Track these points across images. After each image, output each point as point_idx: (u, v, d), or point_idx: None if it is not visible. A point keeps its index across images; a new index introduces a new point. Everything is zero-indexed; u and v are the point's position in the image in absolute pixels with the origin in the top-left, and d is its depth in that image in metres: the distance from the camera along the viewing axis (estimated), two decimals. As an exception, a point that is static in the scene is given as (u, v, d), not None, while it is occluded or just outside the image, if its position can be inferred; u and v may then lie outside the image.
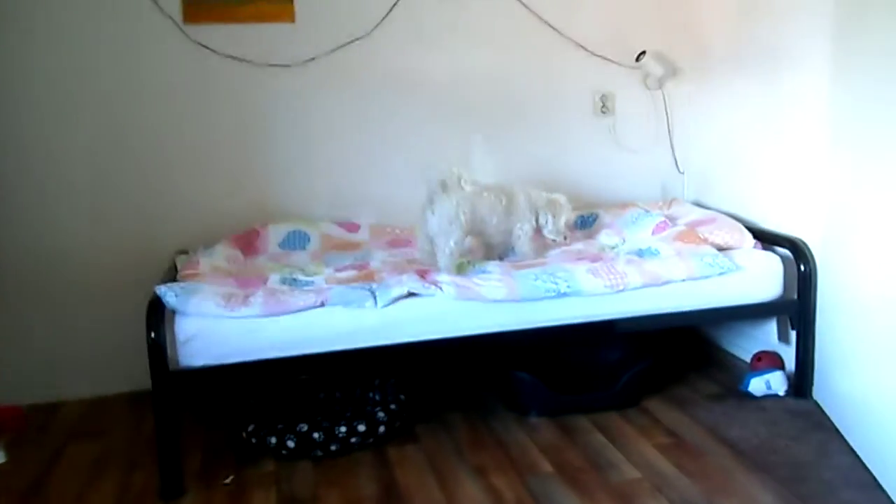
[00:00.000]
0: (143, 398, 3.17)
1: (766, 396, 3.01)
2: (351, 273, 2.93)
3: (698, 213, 3.37)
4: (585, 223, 3.50)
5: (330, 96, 3.45)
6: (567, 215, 3.21)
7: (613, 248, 3.20)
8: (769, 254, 2.95)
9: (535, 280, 2.70)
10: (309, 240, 3.35)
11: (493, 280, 2.69)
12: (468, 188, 2.95)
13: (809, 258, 2.92)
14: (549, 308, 2.72)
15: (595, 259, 2.95)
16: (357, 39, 3.41)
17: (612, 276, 2.73)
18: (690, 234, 3.04)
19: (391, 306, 2.60)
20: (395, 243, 3.41)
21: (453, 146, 3.59)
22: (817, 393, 2.97)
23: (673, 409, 2.97)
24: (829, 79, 2.74)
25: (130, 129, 3.28)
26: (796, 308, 2.95)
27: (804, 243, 2.96)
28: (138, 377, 3.08)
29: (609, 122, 3.73)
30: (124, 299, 3.26)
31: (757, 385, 3.01)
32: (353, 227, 3.50)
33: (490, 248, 3.18)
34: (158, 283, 2.60)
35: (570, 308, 2.74)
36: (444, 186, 2.89)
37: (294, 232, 3.36)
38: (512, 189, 3.12)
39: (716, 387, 3.16)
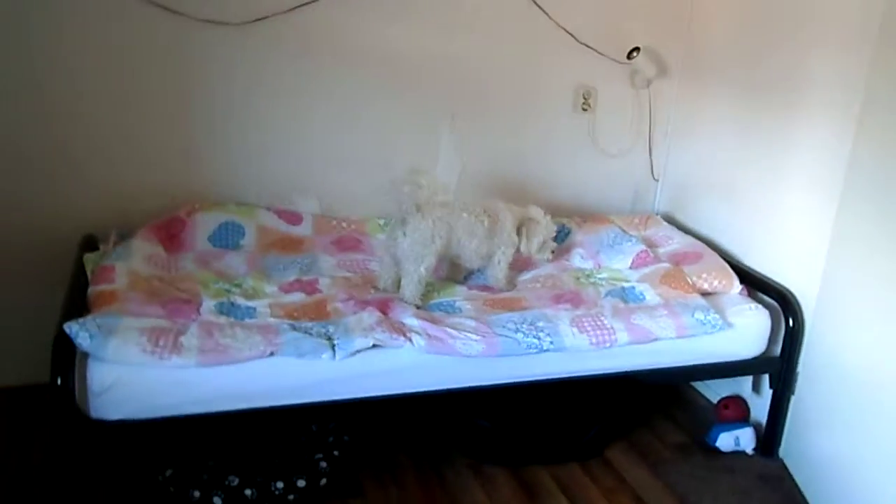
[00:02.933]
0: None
1: (733, 452, 2.83)
2: (299, 298, 2.51)
3: (679, 242, 3.09)
4: (556, 237, 3.15)
5: (276, 64, 2.91)
6: (545, 233, 2.86)
7: (589, 276, 2.89)
8: (759, 309, 2.71)
9: (516, 333, 2.36)
10: (244, 234, 2.87)
11: (468, 331, 2.33)
12: (442, 203, 2.54)
13: (798, 314, 2.70)
14: (527, 364, 2.40)
15: (576, 301, 2.63)
16: (315, 1, 2.85)
17: (598, 333, 2.43)
18: (678, 277, 2.75)
19: (351, 357, 2.21)
20: (344, 244, 2.98)
21: (413, 133, 3.15)
22: (785, 452, 2.81)
23: (638, 465, 2.74)
24: (856, 120, 2.43)
25: (33, 86, 2.66)
26: (778, 367, 2.74)
27: (794, 296, 2.73)
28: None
29: (588, 120, 3.35)
30: (14, 289, 2.74)
31: (725, 441, 2.82)
32: (294, 218, 3.03)
33: (456, 268, 2.81)
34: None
35: (549, 364, 2.43)
36: (417, 204, 2.48)
37: (226, 224, 2.86)
38: (496, 207, 2.73)
39: (681, 435, 2.95)
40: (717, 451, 2.83)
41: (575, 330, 2.42)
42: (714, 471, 2.73)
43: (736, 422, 2.91)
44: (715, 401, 3.07)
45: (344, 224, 3.09)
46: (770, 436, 2.82)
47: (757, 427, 2.88)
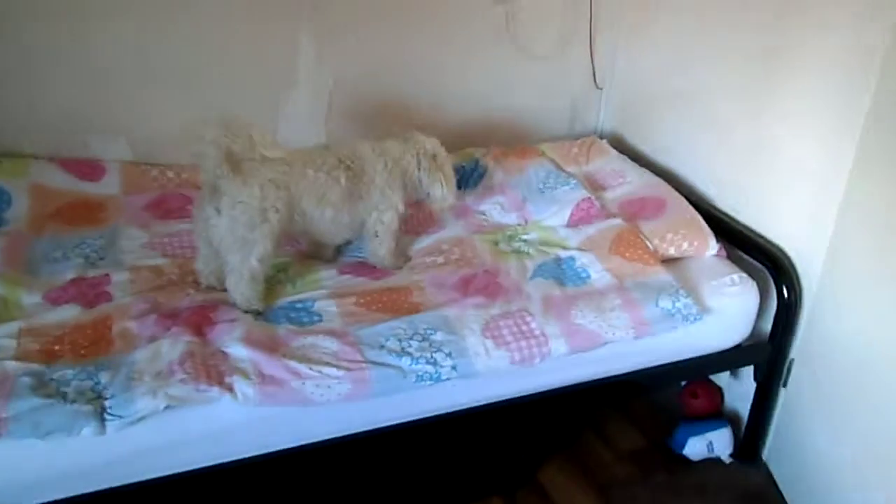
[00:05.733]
0: None
1: (705, 460, 2.15)
2: (71, 313, 1.65)
3: (634, 181, 2.29)
4: (467, 179, 2.32)
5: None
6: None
7: (511, 238, 2.09)
8: (745, 282, 1.96)
9: (401, 357, 1.57)
10: (9, 202, 1.97)
11: (326, 363, 1.53)
12: (273, 159, 1.66)
13: (795, 283, 1.97)
14: (419, 399, 1.63)
15: (492, 289, 1.83)
16: None
17: (524, 345, 1.67)
18: (633, 241, 1.97)
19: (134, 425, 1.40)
20: (165, 206, 2.10)
21: (260, 37, 2.23)
22: (770, 456, 2.17)
23: (582, 490, 2.05)
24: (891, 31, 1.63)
25: None
26: (766, 356, 2.02)
27: (789, 260, 1.99)
28: None
29: (507, 12, 2.45)
30: None
31: (695, 447, 2.15)
32: (93, 171, 2.15)
33: (319, 246, 1.97)
34: None
35: (452, 394, 1.67)
36: (233, 162, 1.61)
37: (-19, 189, 1.95)
38: (358, 153, 1.87)
39: (636, 436, 2.26)
40: (685, 458, 2.14)
41: (489, 343, 1.66)
42: (681, 492, 2.09)
43: (707, 415, 2.23)
44: (680, 385, 2.37)
45: (170, 174, 2.20)
46: (752, 436, 2.17)
47: (733, 419, 2.22)
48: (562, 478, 2.08)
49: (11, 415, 1.34)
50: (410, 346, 1.61)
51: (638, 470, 2.13)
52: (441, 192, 1.98)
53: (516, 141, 2.52)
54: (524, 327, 1.69)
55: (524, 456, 2.04)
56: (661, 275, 1.88)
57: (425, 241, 2.07)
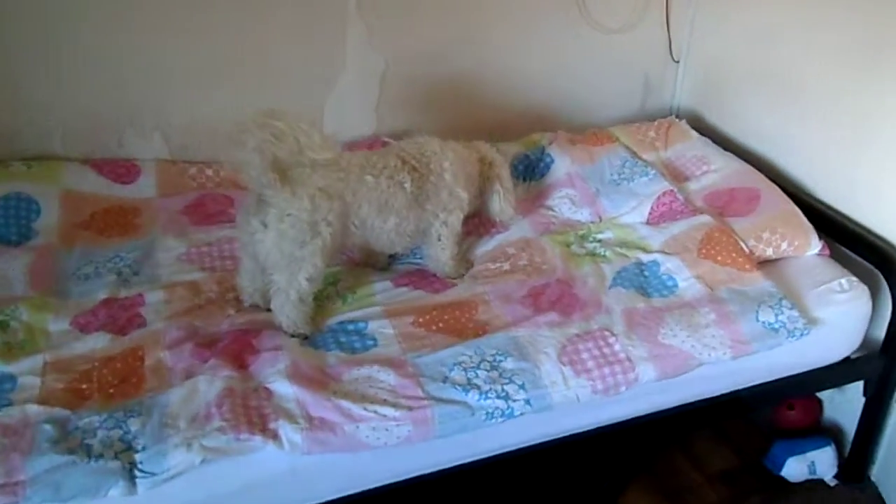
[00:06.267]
0: None
1: (806, 481, 1.92)
2: (100, 343, 1.48)
3: (720, 169, 2.04)
4: (531, 171, 2.10)
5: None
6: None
7: (584, 237, 1.86)
8: (855, 287, 1.71)
9: (467, 392, 1.37)
10: (38, 212, 1.80)
11: (382, 402, 1.35)
12: (325, 157, 1.45)
13: (913, 285, 1.72)
14: (487, 437, 1.43)
15: (567, 302, 1.63)
16: None
17: (606, 371, 1.46)
18: (726, 241, 1.74)
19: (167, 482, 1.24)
20: (200, 210, 1.92)
21: (305, 19, 2.02)
22: (879, 475, 1.93)
23: (668, 518, 1.84)
24: None
25: None
26: (879, 370, 1.78)
27: (905, 259, 1.74)
28: None
29: (574, -21, 2.21)
30: None
31: (795, 468, 1.93)
32: (126, 171, 1.98)
33: (372, 254, 1.77)
34: None
35: (525, 429, 1.47)
36: (280, 170, 1.42)
37: (8, 199, 1.79)
38: (426, 150, 1.67)
39: (727, 454, 2.04)
40: (783, 480, 1.92)
41: (568, 370, 1.45)
42: (780, 524, 1.84)
43: (805, 430, 2.01)
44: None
45: (208, 172, 2.02)
46: (858, 455, 1.94)
47: (834, 432, 1.98)
48: (645, 501, 1.88)
49: (30, 477, 1.18)
50: (477, 376, 1.41)
51: (730, 493, 1.92)
52: (499, 205, 1.81)
53: (583, 122, 2.29)
54: (606, 350, 1.49)
55: (603, 480, 1.83)
56: (760, 282, 1.65)
57: (488, 244, 1.86)
